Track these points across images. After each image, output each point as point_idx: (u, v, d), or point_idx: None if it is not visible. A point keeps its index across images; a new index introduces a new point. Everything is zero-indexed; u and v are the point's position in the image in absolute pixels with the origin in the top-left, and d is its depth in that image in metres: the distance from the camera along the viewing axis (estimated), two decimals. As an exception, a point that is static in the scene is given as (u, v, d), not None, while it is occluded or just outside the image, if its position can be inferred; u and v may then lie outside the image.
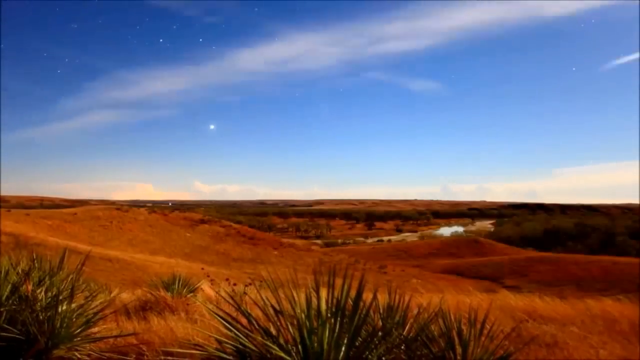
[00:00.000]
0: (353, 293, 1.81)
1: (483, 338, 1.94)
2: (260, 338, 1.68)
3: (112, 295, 5.85)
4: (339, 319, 1.69)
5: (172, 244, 57.79)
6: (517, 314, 4.05)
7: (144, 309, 4.33)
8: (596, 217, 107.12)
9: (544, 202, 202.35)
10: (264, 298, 1.87)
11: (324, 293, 1.84)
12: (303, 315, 1.66)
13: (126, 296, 5.51)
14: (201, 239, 60.11)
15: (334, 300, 1.73)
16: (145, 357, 2.52)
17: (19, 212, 63.29)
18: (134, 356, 2.59)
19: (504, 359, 1.89)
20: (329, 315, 1.68)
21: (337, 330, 1.65)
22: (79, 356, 2.22)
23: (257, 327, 1.74)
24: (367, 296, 2.71)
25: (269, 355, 1.63)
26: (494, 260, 53.48)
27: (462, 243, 71.91)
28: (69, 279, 2.62)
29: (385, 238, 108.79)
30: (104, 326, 3.37)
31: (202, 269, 35.48)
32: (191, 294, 4.85)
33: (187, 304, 4.28)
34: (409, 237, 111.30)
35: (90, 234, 59.95)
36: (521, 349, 2.23)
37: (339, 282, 1.89)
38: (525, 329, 3.47)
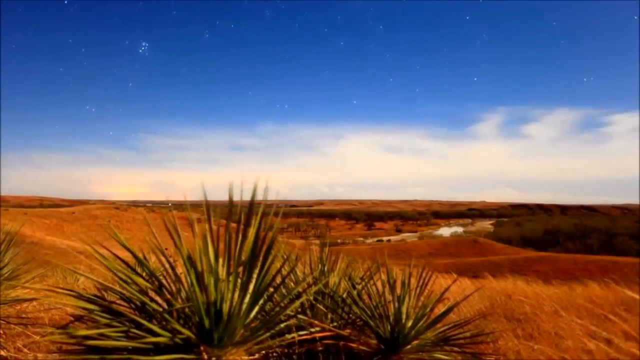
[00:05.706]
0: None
1: (419, 299, 1.72)
2: (141, 282, 1.47)
3: (79, 281, 5.65)
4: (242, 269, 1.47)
5: (170, 242, 57.67)
6: (494, 294, 3.83)
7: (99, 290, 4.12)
8: (596, 218, 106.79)
9: (544, 202, 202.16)
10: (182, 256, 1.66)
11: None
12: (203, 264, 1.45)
13: (91, 281, 5.29)
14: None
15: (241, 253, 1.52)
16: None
17: (17, 211, 63.30)
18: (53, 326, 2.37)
19: (444, 314, 1.67)
20: (232, 266, 1.47)
21: (240, 280, 1.43)
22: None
23: (154, 277, 1.54)
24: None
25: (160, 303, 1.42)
26: (492, 260, 53.22)
27: (461, 243, 71.73)
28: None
29: (385, 238, 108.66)
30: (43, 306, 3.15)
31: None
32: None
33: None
34: (409, 237, 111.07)
35: (87, 233, 59.99)
36: (460, 302, 2.01)
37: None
38: (499, 306, 3.25)
